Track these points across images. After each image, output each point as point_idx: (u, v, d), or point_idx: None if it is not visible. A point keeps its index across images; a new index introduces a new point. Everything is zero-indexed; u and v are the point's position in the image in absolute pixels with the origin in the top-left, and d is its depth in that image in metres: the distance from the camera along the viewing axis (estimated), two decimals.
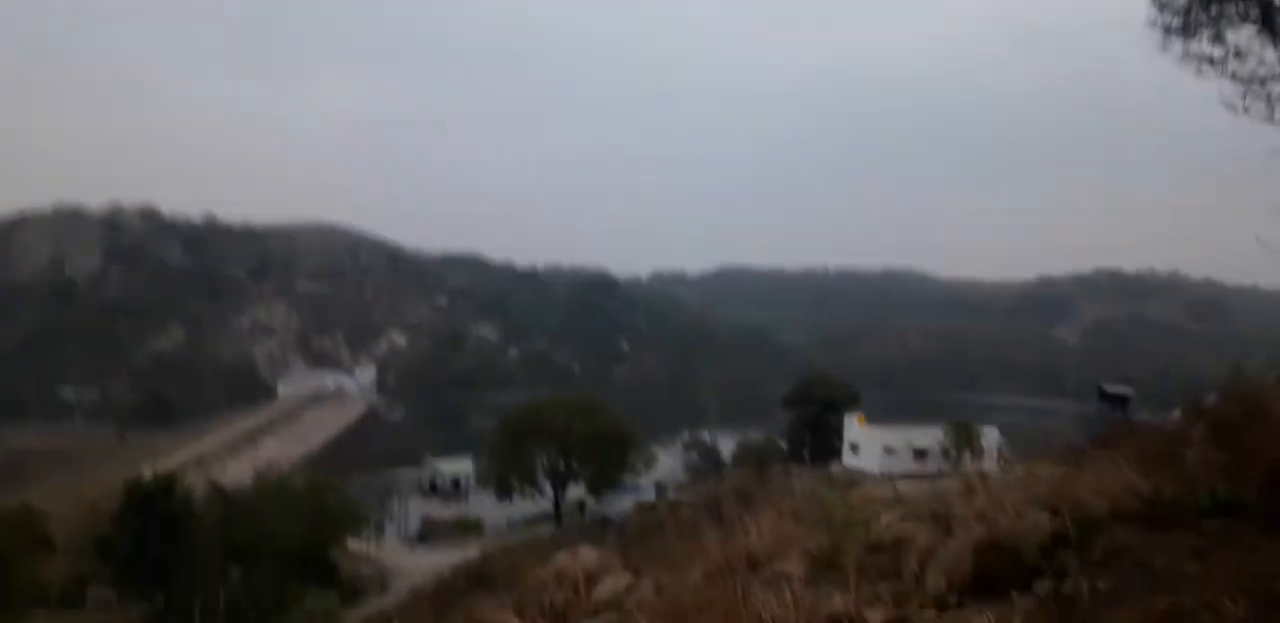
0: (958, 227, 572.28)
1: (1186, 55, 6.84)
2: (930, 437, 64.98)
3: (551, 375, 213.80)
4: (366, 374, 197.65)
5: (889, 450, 64.88)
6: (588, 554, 7.97)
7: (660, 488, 69.10)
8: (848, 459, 68.27)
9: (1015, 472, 7.73)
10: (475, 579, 29.79)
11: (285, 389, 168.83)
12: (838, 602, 4.89)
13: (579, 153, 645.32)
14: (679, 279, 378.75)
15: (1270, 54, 6.53)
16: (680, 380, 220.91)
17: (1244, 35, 6.63)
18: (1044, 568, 5.43)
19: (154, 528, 38.55)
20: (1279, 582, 4.47)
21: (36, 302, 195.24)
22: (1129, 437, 9.24)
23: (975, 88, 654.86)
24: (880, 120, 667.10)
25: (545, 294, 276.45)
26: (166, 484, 41.73)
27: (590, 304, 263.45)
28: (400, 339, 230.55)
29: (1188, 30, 6.76)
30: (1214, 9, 6.68)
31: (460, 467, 74.97)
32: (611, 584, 6.79)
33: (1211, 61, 6.75)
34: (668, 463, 74.03)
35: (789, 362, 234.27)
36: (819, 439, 71.80)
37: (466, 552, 51.35)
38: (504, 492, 63.64)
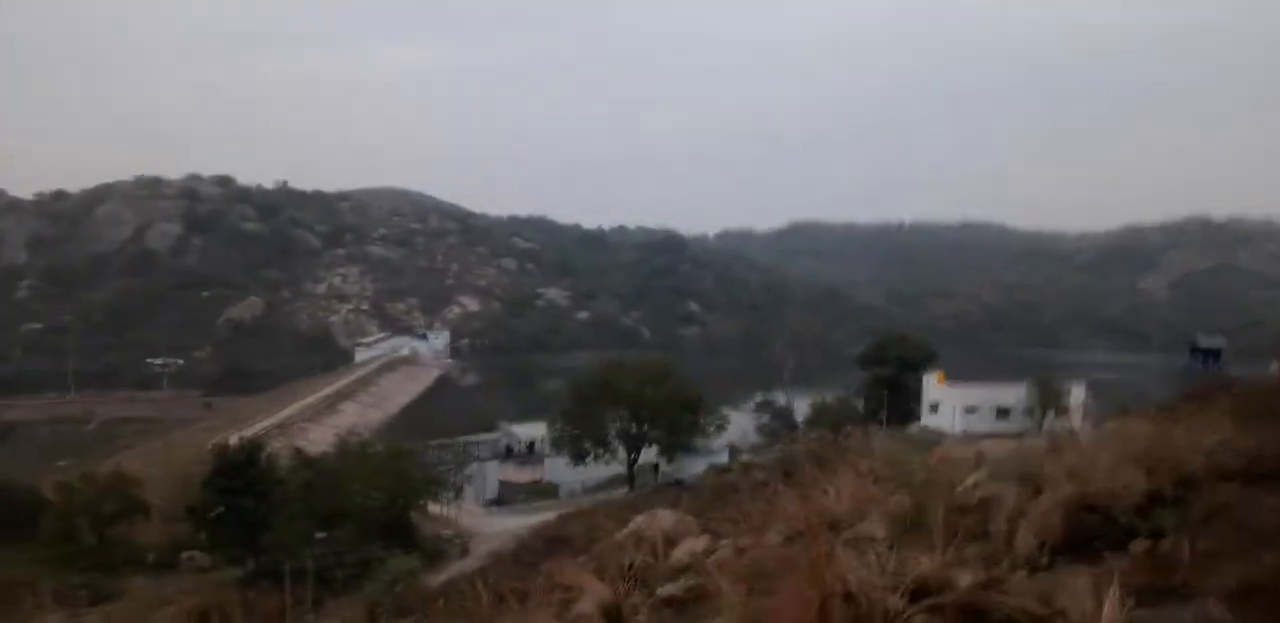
0: (1038, 176, 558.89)
1: None
2: (1013, 395, 63.75)
3: (620, 338, 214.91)
4: (440, 339, 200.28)
5: (970, 410, 63.94)
6: (665, 517, 7.95)
7: (733, 451, 69.18)
8: (927, 419, 67.48)
9: (1105, 429, 7.49)
10: (554, 542, 30.18)
11: (361, 355, 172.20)
12: (925, 564, 4.78)
13: (645, 112, 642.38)
14: (748, 237, 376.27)
15: None
16: (751, 341, 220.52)
17: None
18: (1139, 528, 5.25)
19: (242, 494, 39.76)
20: None
21: (120, 273, 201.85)
22: (1223, 391, 8.90)
23: (1056, 32, 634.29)
24: (957, 67, 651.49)
25: (613, 256, 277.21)
26: (253, 450, 42.95)
27: (658, 265, 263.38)
28: (471, 303, 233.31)
29: None
30: None
31: (535, 431, 75.91)
32: (689, 546, 6.76)
33: None
34: (740, 425, 73.96)
35: (863, 320, 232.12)
36: (896, 399, 71.02)
37: (543, 515, 52.12)
38: (578, 455, 64.33)
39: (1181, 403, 8.70)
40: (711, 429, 67.01)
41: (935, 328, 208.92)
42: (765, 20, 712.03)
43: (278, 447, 55.96)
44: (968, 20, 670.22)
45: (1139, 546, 5.00)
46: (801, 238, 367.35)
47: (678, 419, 63.20)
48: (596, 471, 68.29)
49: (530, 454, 76.92)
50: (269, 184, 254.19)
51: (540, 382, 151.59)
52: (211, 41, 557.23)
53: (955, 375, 71.72)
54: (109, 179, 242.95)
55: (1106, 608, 4.03)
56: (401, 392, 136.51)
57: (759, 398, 78.46)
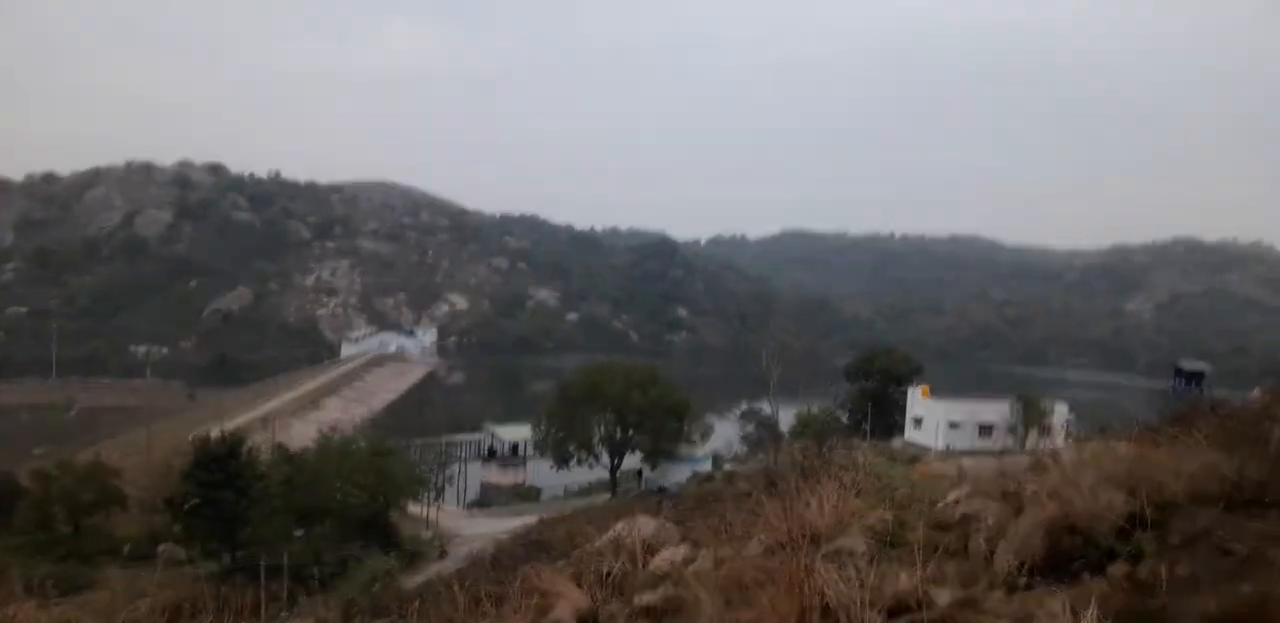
0: (1028, 192, 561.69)
1: None
2: (996, 411, 63.85)
3: (609, 341, 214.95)
4: (427, 336, 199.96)
5: (953, 425, 64.00)
6: (645, 524, 7.92)
7: (717, 459, 69.15)
8: (910, 433, 67.57)
9: (1088, 449, 7.50)
10: (533, 546, 30.07)
11: (348, 350, 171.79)
12: (903, 581, 4.77)
13: (641, 115, 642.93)
14: (739, 243, 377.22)
15: None
16: (738, 349, 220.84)
17: None
18: (1119, 551, 5.25)
19: (222, 487, 39.52)
20: None
21: (109, 258, 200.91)
22: (1207, 414, 8.92)
23: (1051, 50, 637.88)
24: (950, 83, 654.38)
25: (605, 258, 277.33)
26: (234, 444, 42.72)
27: (650, 269, 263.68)
28: (460, 301, 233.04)
29: None
30: None
31: (519, 433, 75.76)
32: (669, 555, 6.72)
33: None
34: (725, 434, 73.97)
35: (851, 331, 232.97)
36: (881, 413, 71.17)
37: (524, 518, 51.99)
38: (562, 459, 64.19)
39: (1164, 425, 8.70)
40: (696, 437, 66.96)
41: (922, 342, 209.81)
42: (768, 32, 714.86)
43: (259, 441, 55.67)
44: (965, 39, 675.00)
45: (1118, 569, 4.99)
46: (793, 246, 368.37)
47: (663, 425, 63.12)
48: (580, 475, 68.15)
49: (514, 456, 76.77)
50: (262, 173, 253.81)
51: (527, 383, 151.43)
52: (210, 29, 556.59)
53: (940, 390, 71.89)
54: (100, 163, 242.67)
55: None
56: (387, 388, 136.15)
57: (744, 406, 78.44)
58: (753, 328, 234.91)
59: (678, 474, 61.97)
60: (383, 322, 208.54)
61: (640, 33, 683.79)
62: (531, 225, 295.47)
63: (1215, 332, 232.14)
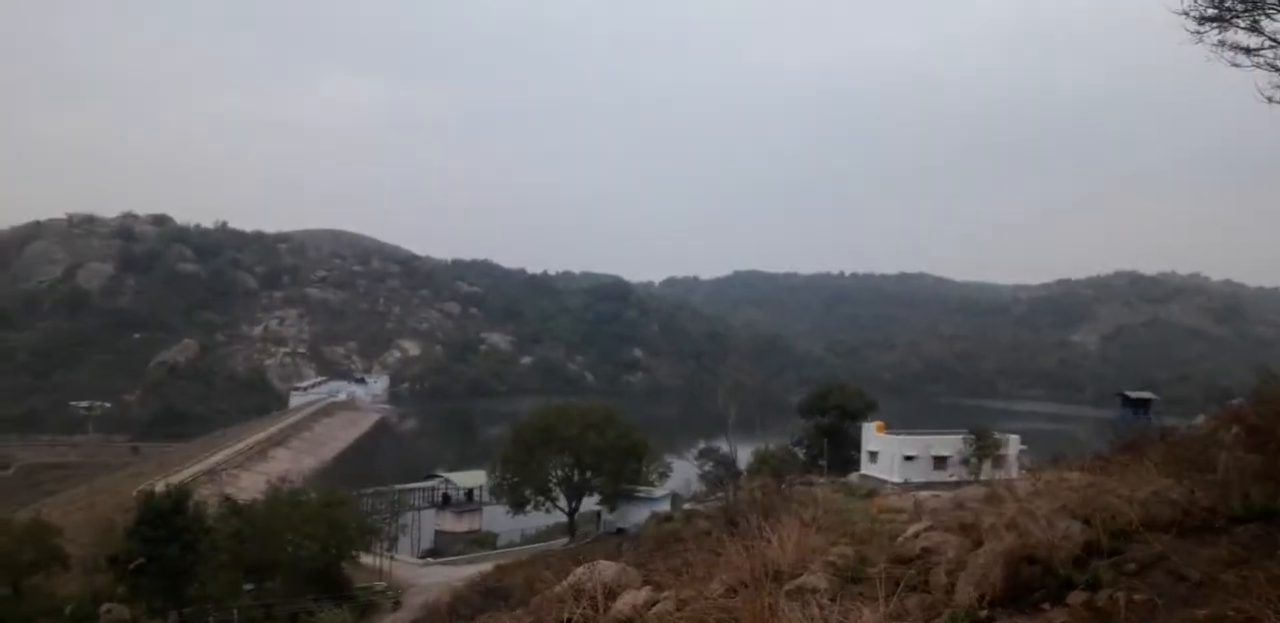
0: (974, 230, 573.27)
1: (1221, 45, 6.70)
2: (950, 445, 64.41)
3: (565, 384, 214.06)
4: (379, 383, 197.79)
5: (908, 458, 64.39)
6: (606, 568, 7.82)
7: (676, 499, 68.73)
8: (866, 468, 67.78)
9: (1043, 480, 7.59)
10: (490, 594, 29.59)
11: (297, 399, 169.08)
12: (866, 617, 4.76)
13: (591, 159, 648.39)
14: (692, 284, 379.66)
15: None
16: (694, 388, 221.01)
17: None
18: (1077, 579, 5.29)
19: (167, 543, 38.44)
20: None
21: (49, 312, 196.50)
22: (1156, 442, 9.08)
23: (992, 90, 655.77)
24: (894, 123, 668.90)
25: (559, 301, 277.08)
26: (180, 497, 41.63)
27: (604, 312, 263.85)
28: (412, 347, 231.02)
29: (1222, 18, 6.62)
30: None
31: (473, 479, 74.75)
32: (631, 599, 6.64)
33: (1248, 51, 6.61)
34: (683, 473, 73.64)
35: (804, 369, 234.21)
36: (837, 448, 71.47)
37: (481, 566, 51.21)
38: (518, 504, 63.37)
39: (1114, 454, 8.84)
40: (655, 477, 66.56)
41: (875, 377, 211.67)
42: (710, 70, 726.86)
43: (206, 494, 54.47)
44: (912, 81, 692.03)
45: (1077, 597, 5.02)
46: (745, 286, 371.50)
47: (621, 466, 62.73)
48: (537, 519, 67.31)
49: (468, 503, 75.63)
50: (208, 224, 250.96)
51: (481, 428, 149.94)
52: (151, 78, 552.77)
53: (894, 425, 72.30)
54: (40, 216, 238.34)
55: None
56: (337, 437, 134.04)
57: (702, 445, 78.24)
58: (708, 367, 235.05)
59: (636, 515, 61.41)
60: (332, 370, 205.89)
61: (590, 79, 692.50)
62: (484, 270, 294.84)
63: (1158, 361, 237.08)
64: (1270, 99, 6.58)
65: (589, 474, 62.97)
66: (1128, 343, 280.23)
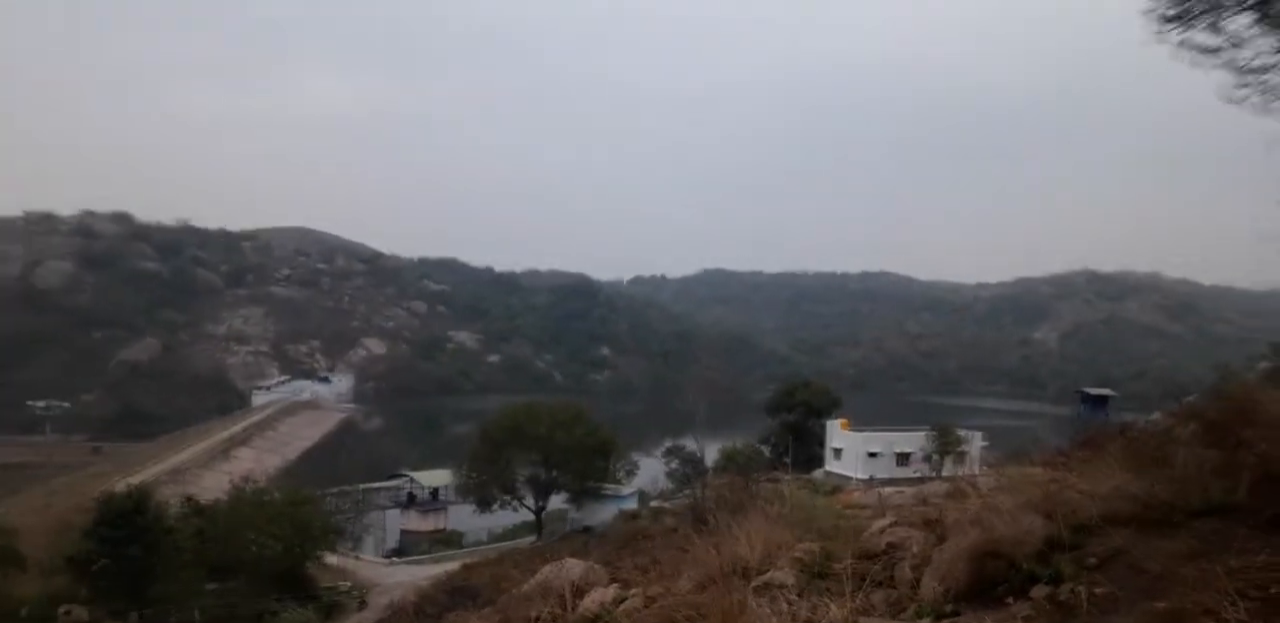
0: (935, 229, 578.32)
1: (1183, 45, 6.79)
2: (913, 441, 65.13)
3: (532, 382, 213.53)
4: (343, 382, 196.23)
5: (872, 455, 65.04)
6: (573, 566, 7.83)
7: (643, 496, 68.84)
8: (831, 465, 68.35)
9: (1004, 475, 7.68)
10: (457, 593, 29.46)
11: (260, 398, 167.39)
12: (834, 612, 4.80)
13: (557, 157, 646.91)
14: (659, 282, 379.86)
15: (1268, 42, 6.49)
16: (661, 386, 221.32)
17: (1241, 23, 6.59)
18: (1040, 573, 5.36)
19: (128, 544, 37.93)
20: (1278, 584, 4.41)
21: (6, 311, 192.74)
22: (1115, 438, 9.20)
23: (951, 88, 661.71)
24: (855, 122, 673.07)
25: (526, 299, 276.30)
26: (141, 498, 41.06)
27: (571, 309, 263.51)
28: (378, 346, 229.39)
29: (1184, 18, 6.70)
30: None
31: (439, 478, 74.39)
32: (599, 596, 6.65)
33: (1208, 51, 6.71)
34: (650, 471, 73.78)
35: (770, 366, 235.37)
36: (802, 445, 71.99)
37: (447, 565, 50.99)
38: (484, 502, 63.16)
39: (1075, 450, 8.96)
40: (622, 475, 66.62)
41: (840, 375, 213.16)
42: (675, 69, 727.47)
43: (168, 494, 53.77)
44: (869, 78, 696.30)
45: (1040, 591, 5.09)
46: (711, 284, 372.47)
47: (589, 464, 62.70)
48: (503, 518, 67.13)
49: (434, 502, 75.28)
50: (170, 222, 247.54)
51: (447, 426, 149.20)
52: (111, 73, 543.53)
53: (858, 422, 72.92)
54: None
55: None
56: (301, 437, 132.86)
57: (669, 443, 78.44)
58: (675, 365, 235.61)
59: (603, 513, 61.43)
60: (296, 369, 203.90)
61: (553, 74, 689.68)
62: (450, 268, 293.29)
63: (1116, 358, 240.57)
64: (1230, 99, 6.69)
65: (556, 473, 62.89)
66: (1086, 340, 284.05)
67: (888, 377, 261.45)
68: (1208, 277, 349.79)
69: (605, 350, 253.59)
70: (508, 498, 63.23)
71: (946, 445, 62.48)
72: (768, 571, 6.18)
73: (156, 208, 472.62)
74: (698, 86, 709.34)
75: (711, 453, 71.69)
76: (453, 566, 49.50)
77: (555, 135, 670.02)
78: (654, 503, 61.98)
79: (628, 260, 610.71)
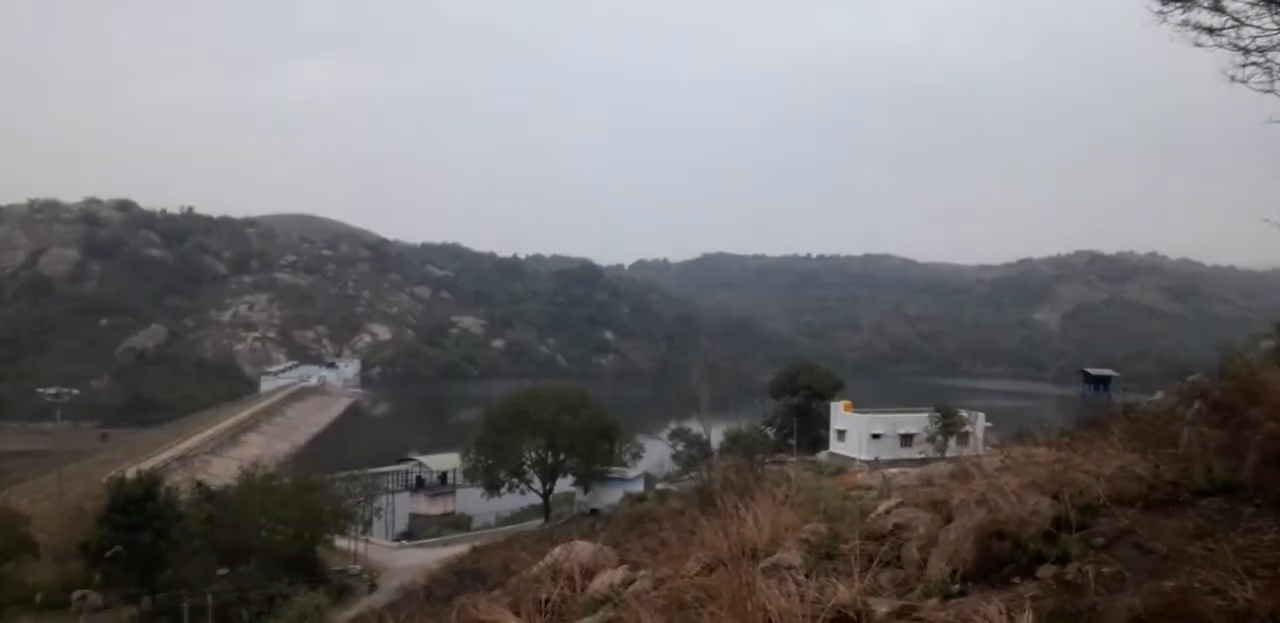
0: (937, 212, 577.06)
1: (1185, 24, 6.75)
2: (916, 422, 65.29)
3: (537, 366, 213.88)
4: (350, 367, 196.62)
5: (876, 436, 65.21)
6: (582, 548, 7.88)
7: (649, 479, 69.11)
8: (835, 446, 68.61)
9: (1009, 456, 7.70)
10: (467, 576, 29.66)
11: (267, 384, 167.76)
12: (841, 593, 4.83)
13: (560, 142, 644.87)
14: (662, 267, 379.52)
15: (1270, 22, 6.46)
16: (665, 370, 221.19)
17: (1244, 2, 6.55)
18: (1047, 554, 5.39)
19: (140, 530, 38.18)
20: None
21: (13, 299, 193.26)
22: (1119, 418, 9.21)
23: (955, 72, 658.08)
24: (858, 106, 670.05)
25: (529, 284, 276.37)
26: (152, 484, 41.33)
27: (575, 294, 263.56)
28: (383, 332, 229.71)
29: None
30: None
31: (447, 462, 74.68)
32: (608, 578, 6.69)
33: (1210, 31, 6.67)
34: (656, 454, 74.01)
35: (772, 349, 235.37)
36: (806, 427, 72.21)
37: (456, 548, 51.28)
38: (492, 486, 63.47)
39: (1079, 431, 8.98)
40: (628, 458, 66.87)
41: (842, 358, 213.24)
42: (677, 55, 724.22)
43: (178, 480, 54.10)
44: (874, 62, 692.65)
45: (1047, 571, 5.12)
46: (714, 269, 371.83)
47: (594, 448, 62.95)
48: (511, 501, 67.44)
49: (442, 486, 75.58)
50: (174, 209, 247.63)
51: (454, 411, 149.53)
52: (117, 62, 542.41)
53: (861, 404, 73.12)
54: (1, 202, 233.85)
55: None
56: (309, 422, 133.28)
57: (674, 426, 78.63)
58: (679, 349, 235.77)
59: (610, 496, 61.71)
60: (303, 355, 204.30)
61: (556, 60, 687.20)
62: (454, 254, 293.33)
63: (1118, 339, 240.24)
64: (1233, 78, 6.65)
65: (562, 456, 63.15)
66: (1088, 321, 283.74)
67: (890, 359, 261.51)
68: (1209, 257, 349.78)
69: (609, 335, 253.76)
70: (515, 481, 63.53)
71: (950, 426, 62.63)
72: (775, 552, 6.21)
73: (161, 195, 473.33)
74: (701, 71, 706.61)
75: (716, 436, 71.90)
76: (462, 549, 49.82)
77: (558, 121, 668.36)
78: (660, 486, 62.24)
79: (630, 245, 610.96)
